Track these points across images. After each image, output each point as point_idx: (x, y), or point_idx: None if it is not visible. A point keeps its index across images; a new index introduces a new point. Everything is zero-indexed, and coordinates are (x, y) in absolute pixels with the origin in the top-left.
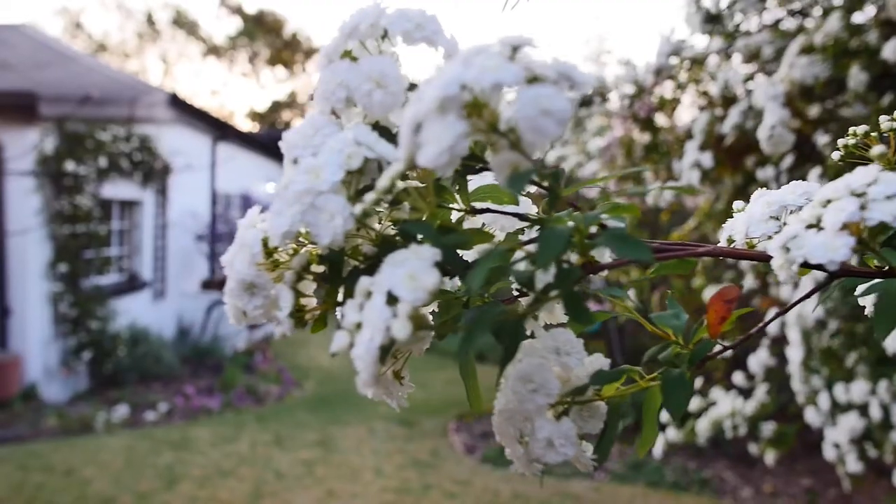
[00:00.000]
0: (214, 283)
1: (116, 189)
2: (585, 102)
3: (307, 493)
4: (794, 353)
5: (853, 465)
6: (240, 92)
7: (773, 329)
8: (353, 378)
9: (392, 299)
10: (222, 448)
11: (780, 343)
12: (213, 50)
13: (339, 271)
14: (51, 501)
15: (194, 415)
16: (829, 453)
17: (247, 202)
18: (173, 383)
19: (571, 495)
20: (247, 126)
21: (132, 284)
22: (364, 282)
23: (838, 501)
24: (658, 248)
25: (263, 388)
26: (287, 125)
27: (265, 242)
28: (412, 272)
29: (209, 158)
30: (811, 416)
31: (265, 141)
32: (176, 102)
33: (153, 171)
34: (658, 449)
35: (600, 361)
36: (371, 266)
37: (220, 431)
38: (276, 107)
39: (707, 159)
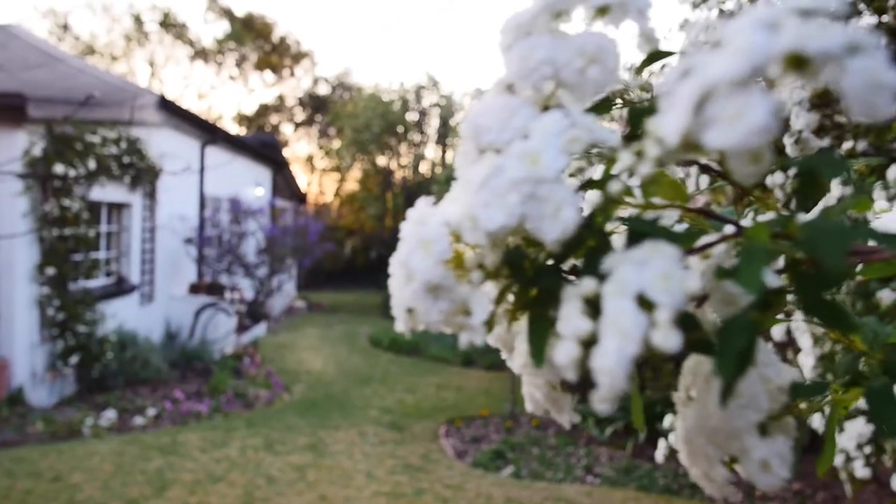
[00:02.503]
0: (202, 286)
1: (105, 192)
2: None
3: (299, 497)
4: (807, 360)
5: (861, 470)
6: (227, 96)
7: (777, 335)
8: (341, 382)
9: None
10: (212, 453)
11: (783, 348)
12: (201, 53)
13: (521, 270)
14: None
15: (183, 419)
16: (836, 459)
17: (235, 206)
18: (161, 387)
19: (564, 499)
20: (234, 129)
21: (120, 288)
22: (587, 284)
23: (827, 503)
24: (857, 248)
25: (252, 392)
26: (275, 128)
27: (459, 238)
28: (665, 272)
29: (198, 162)
30: (818, 422)
31: (254, 144)
32: (165, 105)
33: (142, 174)
34: (660, 454)
35: (793, 372)
36: (554, 266)
37: (210, 436)
38: (264, 110)
39: (715, 163)
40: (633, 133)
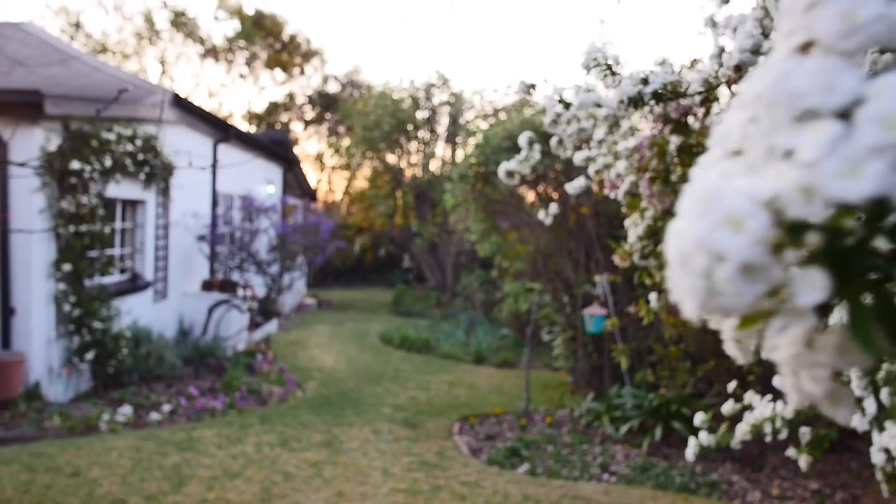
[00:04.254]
0: (215, 283)
1: (120, 189)
2: (636, 102)
3: (317, 494)
4: None
5: None
6: (237, 94)
7: None
8: (354, 380)
9: None
10: (228, 449)
11: None
12: (212, 51)
13: (835, 250)
14: (59, 503)
15: (198, 415)
16: (876, 458)
17: (248, 203)
18: (175, 384)
19: (581, 497)
20: (244, 128)
21: (135, 284)
22: None
23: (846, 503)
24: None
25: (266, 388)
26: (285, 126)
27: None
28: None
29: (211, 159)
30: (856, 421)
31: (265, 142)
32: (179, 103)
33: (156, 172)
34: (690, 452)
35: None
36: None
37: (225, 432)
38: (274, 108)
39: None
40: None
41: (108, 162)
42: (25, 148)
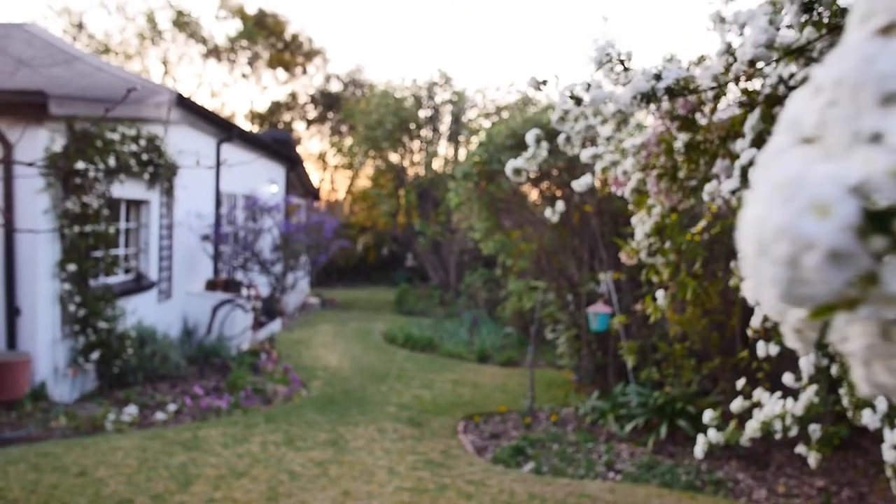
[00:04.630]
0: (219, 283)
1: (124, 189)
2: (649, 98)
3: (323, 493)
4: None
5: None
6: (240, 93)
7: None
8: (358, 379)
9: None
10: (234, 448)
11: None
12: (214, 51)
13: None
14: (66, 503)
15: (203, 415)
16: (888, 455)
17: (251, 203)
18: (180, 383)
19: (587, 496)
20: (246, 127)
21: (139, 284)
22: None
23: (853, 501)
24: None
25: (271, 388)
26: (287, 126)
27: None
28: None
29: (214, 159)
30: (867, 418)
31: (268, 142)
32: (182, 102)
33: (160, 171)
34: (699, 450)
35: None
36: None
37: (231, 431)
38: (276, 108)
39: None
40: None
41: (112, 162)
42: (30, 148)
